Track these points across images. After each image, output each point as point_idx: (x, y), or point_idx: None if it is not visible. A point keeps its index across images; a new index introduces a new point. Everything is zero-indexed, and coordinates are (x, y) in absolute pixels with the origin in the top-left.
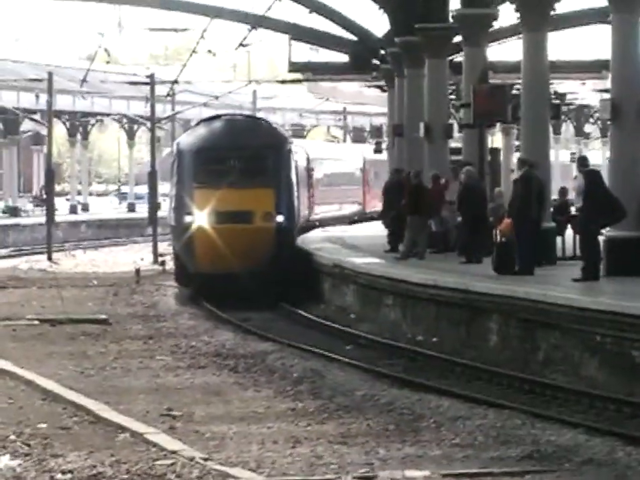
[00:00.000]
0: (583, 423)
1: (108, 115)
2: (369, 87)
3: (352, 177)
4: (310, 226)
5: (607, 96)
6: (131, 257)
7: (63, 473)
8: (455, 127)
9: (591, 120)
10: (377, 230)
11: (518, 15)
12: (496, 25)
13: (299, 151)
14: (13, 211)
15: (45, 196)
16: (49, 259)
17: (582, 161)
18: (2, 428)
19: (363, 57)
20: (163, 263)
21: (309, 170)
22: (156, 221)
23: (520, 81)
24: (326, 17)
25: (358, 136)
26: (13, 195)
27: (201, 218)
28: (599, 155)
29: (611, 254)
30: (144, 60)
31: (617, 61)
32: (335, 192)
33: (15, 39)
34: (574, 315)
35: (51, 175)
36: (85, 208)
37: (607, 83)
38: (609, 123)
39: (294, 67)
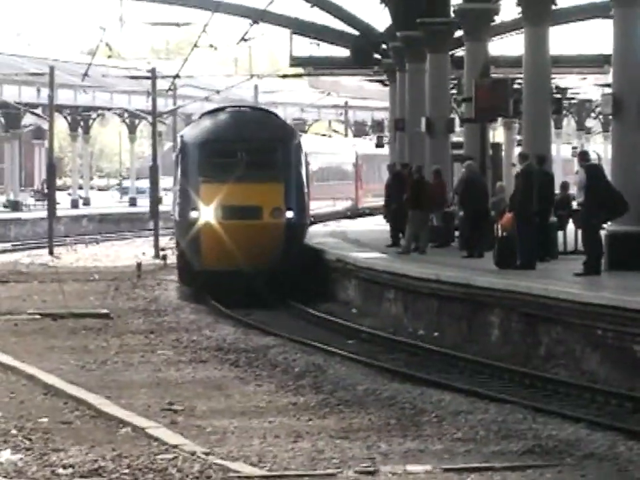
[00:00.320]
0: (584, 418)
1: (109, 109)
2: (371, 81)
3: (344, 172)
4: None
5: (608, 90)
6: (132, 251)
7: (64, 467)
8: (457, 121)
9: (593, 115)
10: (379, 224)
11: (519, 9)
12: (497, 19)
13: None
14: (15, 205)
15: (46, 190)
16: (51, 253)
17: (583, 156)
18: (3, 422)
19: (364, 51)
20: (164, 257)
21: (307, 165)
22: (157, 215)
23: (521, 76)
24: (327, 12)
25: (359, 130)
26: (14, 189)
27: (207, 213)
28: (600, 149)
29: (613, 248)
30: (145, 54)
31: (619, 56)
32: (326, 188)
33: (17, 33)
34: (575, 309)
35: (52, 169)
36: (87, 202)
37: (609, 78)
38: (610, 117)
39: (295, 61)
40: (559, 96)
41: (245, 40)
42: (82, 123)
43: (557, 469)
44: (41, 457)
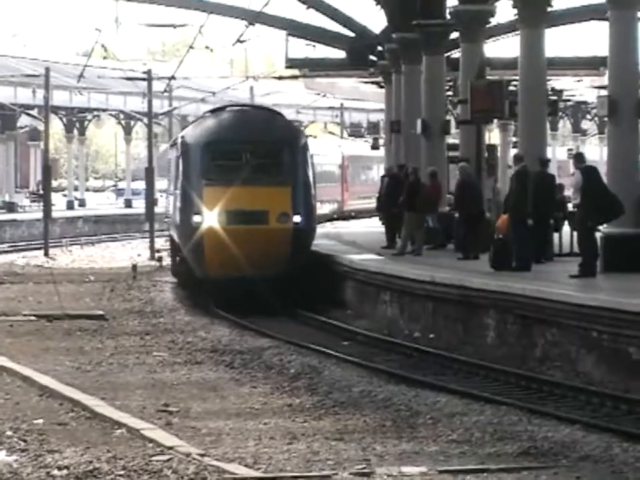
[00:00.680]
0: (579, 420)
1: (105, 110)
2: (366, 83)
3: (329, 174)
4: None
5: (604, 92)
6: (128, 252)
7: (59, 468)
8: (453, 123)
9: (588, 116)
10: (373, 226)
11: (515, 11)
12: (493, 21)
13: None
14: (10, 207)
15: (41, 191)
16: (46, 254)
17: (578, 158)
18: None
19: (360, 53)
20: (159, 259)
21: (313, 166)
22: (153, 217)
23: (517, 78)
24: (323, 13)
25: (355, 132)
26: (9, 191)
27: (210, 218)
28: (596, 151)
29: (608, 250)
30: (141, 56)
31: (615, 58)
32: None
33: (13, 35)
34: (571, 311)
35: (48, 170)
36: (82, 203)
37: (605, 80)
38: (605, 119)
39: (291, 63)
40: (554, 98)
41: (241, 41)
42: (77, 125)
43: (553, 471)
44: (36, 458)
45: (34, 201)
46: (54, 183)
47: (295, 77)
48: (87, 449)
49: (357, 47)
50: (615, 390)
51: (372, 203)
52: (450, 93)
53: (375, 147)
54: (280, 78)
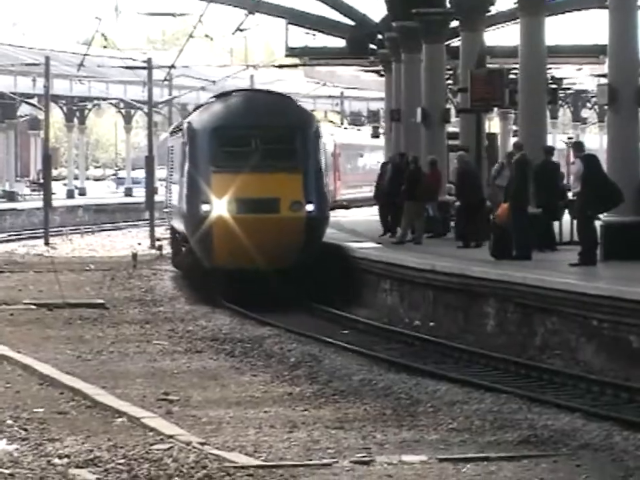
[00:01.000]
0: (579, 408)
1: (105, 99)
2: (366, 71)
3: None
4: None
5: (604, 81)
6: (128, 241)
7: (60, 457)
8: (453, 111)
9: (588, 105)
10: (374, 214)
11: None
12: (493, 9)
13: None
14: (10, 196)
15: (42, 180)
16: (46, 243)
17: (578, 147)
18: None
19: (360, 41)
20: (160, 248)
21: (326, 153)
22: (153, 206)
23: (517, 66)
24: (323, 2)
25: (355, 120)
26: (10, 180)
27: (219, 207)
28: (596, 139)
29: (608, 239)
30: (141, 44)
31: (614, 46)
32: None
33: (13, 24)
34: (571, 299)
35: (48, 159)
36: (82, 192)
37: (604, 68)
38: (606, 107)
39: (291, 51)
40: (554, 86)
41: (241, 30)
42: (78, 113)
43: (553, 459)
44: (37, 447)
45: (34, 190)
46: (54, 172)
47: (295, 66)
48: (87, 438)
49: (357, 35)
50: (615, 378)
51: (365, 192)
52: (450, 81)
53: (375, 135)
54: (280, 67)
